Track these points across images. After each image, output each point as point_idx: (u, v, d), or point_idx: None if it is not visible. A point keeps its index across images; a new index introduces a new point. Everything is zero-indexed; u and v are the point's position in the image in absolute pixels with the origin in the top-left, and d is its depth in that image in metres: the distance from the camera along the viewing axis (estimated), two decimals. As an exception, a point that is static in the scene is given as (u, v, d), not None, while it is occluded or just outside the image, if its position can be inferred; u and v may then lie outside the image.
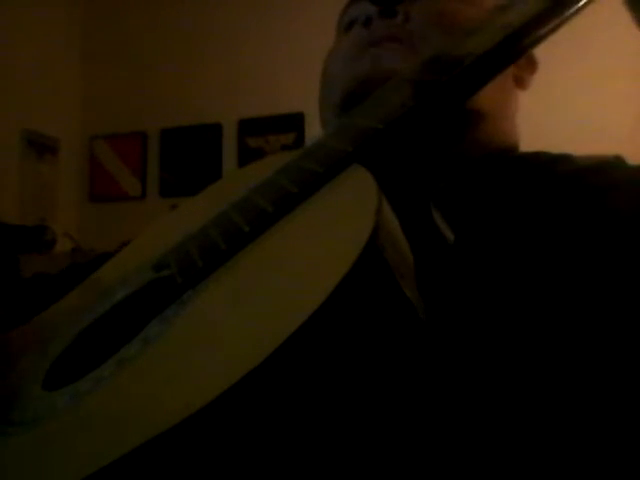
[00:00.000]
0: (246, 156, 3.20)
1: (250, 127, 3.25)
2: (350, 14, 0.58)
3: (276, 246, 0.31)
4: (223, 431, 0.22)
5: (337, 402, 0.24)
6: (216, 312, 0.29)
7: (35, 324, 0.44)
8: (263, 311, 0.26)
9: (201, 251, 0.35)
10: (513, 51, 0.42)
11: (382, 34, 0.52)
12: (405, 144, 0.39)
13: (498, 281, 0.40)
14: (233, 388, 0.22)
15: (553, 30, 0.41)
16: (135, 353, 0.29)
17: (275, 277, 0.29)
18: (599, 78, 2.67)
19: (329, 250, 0.27)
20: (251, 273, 0.31)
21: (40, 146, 3.23)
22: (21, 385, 0.34)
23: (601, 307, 0.38)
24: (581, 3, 0.41)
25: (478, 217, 0.45)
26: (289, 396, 0.23)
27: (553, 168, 0.49)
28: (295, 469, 0.23)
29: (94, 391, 0.28)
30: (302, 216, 0.33)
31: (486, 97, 0.50)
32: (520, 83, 0.58)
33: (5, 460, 0.27)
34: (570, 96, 2.68)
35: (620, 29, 2.51)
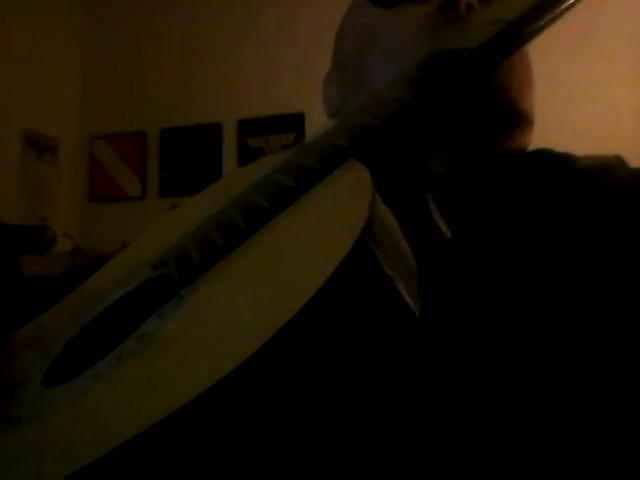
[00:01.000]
0: (246, 156, 3.20)
1: (250, 127, 3.25)
2: None
3: (272, 241, 0.32)
4: (217, 422, 0.23)
5: (328, 396, 0.24)
6: (211, 307, 0.30)
7: (36, 324, 0.44)
8: (257, 305, 0.27)
9: (198, 248, 0.35)
10: (508, 45, 0.42)
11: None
12: (402, 139, 0.39)
13: (496, 278, 0.40)
14: (224, 380, 0.22)
15: (548, 24, 0.41)
16: (132, 349, 0.29)
17: (269, 271, 0.29)
18: (600, 81, 2.67)
19: (323, 243, 0.28)
20: (246, 268, 0.31)
21: (40, 146, 3.23)
22: (22, 383, 0.35)
23: (600, 306, 0.38)
24: None
25: (476, 214, 0.46)
26: (281, 388, 0.23)
27: (553, 167, 0.50)
28: (284, 464, 0.24)
29: (92, 386, 0.28)
30: (298, 211, 0.33)
31: (530, 101, 0.51)
32: None
33: (6, 456, 0.27)
34: (570, 99, 2.68)
35: (621, 32, 2.51)
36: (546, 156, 0.52)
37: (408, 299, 0.27)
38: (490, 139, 0.50)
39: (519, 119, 0.50)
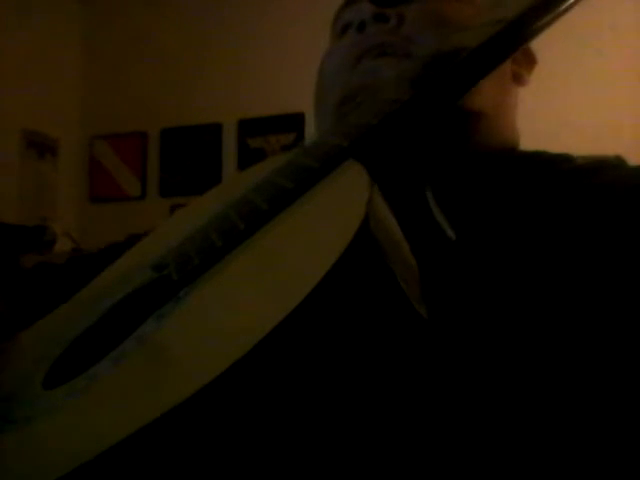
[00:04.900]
0: (246, 156, 3.20)
1: (250, 127, 3.25)
2: (344, 18, 0.58)
3: (269, 242, 0.32)
4: (214, 421, 0.23)
5: (326, 396, 0.25)
6: (208, 307, 0.30)
7: (37, 327, 0.44)
8: (253, 304, 0.27)
9: (198, 249, 0.35)
10: (507, 45, 0.42)
11: (376, 41, 0.52)
12: (401, 139, 0.39)
13: (502, 279, 0.40)
14: (220, 379, 0.22)
15: (548, 24, 0.41)
16: (130, 350, 0.30)
17: (266, 272, 0.30)
18: (600, 76, 2.67)
19: (320, 243, 0.28)
20: (244, 268, 0.31)
21: (40, 146, 3.23)
22: (22, 384, 0.35)
23: (603, 306, 0.38)
24: None
25: (480, 214, 0.45)
26: (277, 385, 0.24)
27: (554, 166, 0.50)
28: (283, 462, 0.24)
29: (89, 387, 0.29)
30: (296, 212, 0.33)
31: (485, 97, 0.50)
32: (519, 80, 0.57)
33: (3, 456, 0.27)
34: (570, 95, 2.68)
35: (622, 27, 2.50)
36: (545, 156, 0.52)
37: (409, 295, 0.27)
38: (441, 146, 0.50)
39: (462, 120, 0.50)
